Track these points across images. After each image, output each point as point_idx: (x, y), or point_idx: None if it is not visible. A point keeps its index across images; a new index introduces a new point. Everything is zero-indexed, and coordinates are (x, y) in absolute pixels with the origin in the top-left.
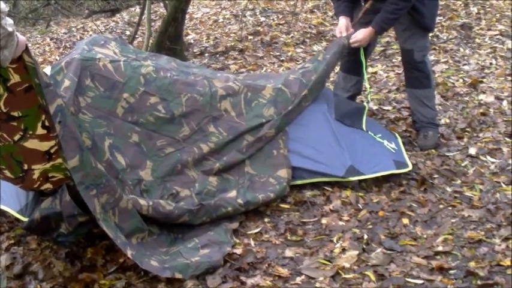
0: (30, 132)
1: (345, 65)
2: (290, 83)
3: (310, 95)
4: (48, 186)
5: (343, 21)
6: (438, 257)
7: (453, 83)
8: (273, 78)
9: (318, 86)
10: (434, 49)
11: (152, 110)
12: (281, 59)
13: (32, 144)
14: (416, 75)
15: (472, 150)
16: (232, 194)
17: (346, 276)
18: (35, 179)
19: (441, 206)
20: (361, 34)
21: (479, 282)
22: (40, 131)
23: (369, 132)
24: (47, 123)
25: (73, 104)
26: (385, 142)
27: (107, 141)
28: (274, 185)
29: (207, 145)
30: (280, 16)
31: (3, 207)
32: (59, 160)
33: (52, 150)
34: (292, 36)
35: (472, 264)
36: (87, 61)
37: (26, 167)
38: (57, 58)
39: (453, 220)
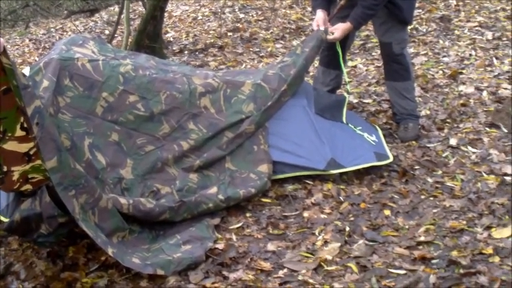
0: (9, 134)
1: (324, 59)
2: (269, 79)
3: (289, 89)
4: (28, 187)
5: (320, 14)
6: (420, 247)
7: (433, 75)
8: (252, 74)
9: (297, 80)
10: (414, 41)
11: (131, 108)
12: (261, 54)
13: (11, 146)
14: (395, 67)
15: (453, 141)
16: (213, 190)
17: (329, 268)
18: (14, 181)
19: (422, 197)
20: (338, 29)
21: (461, 271)
22: (19, 132)
23: (349, 125)
24: (25, 125)
25: (52, 104)
26: (366, 135)
27: (87, 140)
28: (255, 181)
29: (187, 142)
30: (259, 12)
31: None
32: (39, 161)
33: (31, 152)
34: (271, 32)
35: (454, 253)
36: (65, 61)
37: (5, 168)
38: (37, 59)
39: (435, 210)
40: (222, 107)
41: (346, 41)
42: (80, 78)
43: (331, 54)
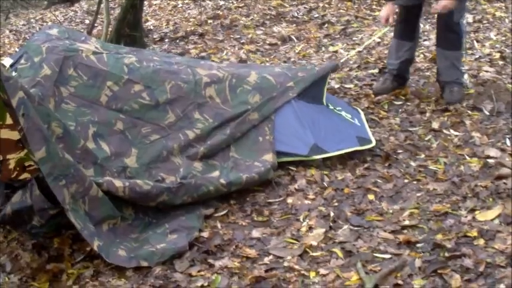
0: (0, 123)
1: (398, 32)
2: (275, 73)
3: (296, 86)
4: (26, 175)
5: (390, 7)
6: (405, 231)
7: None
8: (258, 68)
9: (304, 84)
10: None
11: (136, 97)
12: (241, 41)
13: (4, 134)
14: (451, 37)
15: (435, 124)
16: (215, 173)
17: (314, 254)
18: (11, 169)
19: (406, 181)
20: (442, 4)
21: (446, 254)
22: (9, 120)
23: (329, 106)
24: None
25: (53, 95)
26: (343, 113)
27: (91, 129)
28: (259, 167)
29: (193, 131)
30: None
31: None
32: None
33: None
34: (252, 19)
35: (439, 236)
36: (69, 51)
37: (1, 157)
38: (17, 50)
39: (418, 194)
40: (227, 97)
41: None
42: (84, 67)
43: (406, 26)
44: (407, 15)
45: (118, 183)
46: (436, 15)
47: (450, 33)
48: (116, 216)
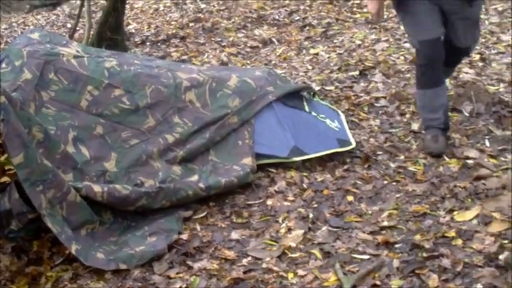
0: None
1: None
2: (256, 77)
3: (276, 91)
4: (6, 179)
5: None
6: (384, 231)
7: (394, 61)
8: (238, 71)
9: (283, 90)
10: (375, 28)
11: (117, 102)
12: (223, 44)
13: None
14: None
15: (415, 126)
16: (194, 178)
17: (293, 255)
18: None
19: (385, 182)
20: None
21: (424, 254)
22: None
23: (312, 113)
24: None
25: (34, 99)
26: (328, 121)
27: (71, 133)
28: (238, 171)
29: (173, 136)
30: (221, 2)
31: None
32: None
33: None
34: (233, 22)
35: (417, 237)
36: (50, 56)
37: None
38: None
39: (398, 195)
40: (207, 101)
41: None
42: (65, 72)
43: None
44: (434, 55)
45: (97, 188)
46: None
47: (455, 60)
48: (94, 221)
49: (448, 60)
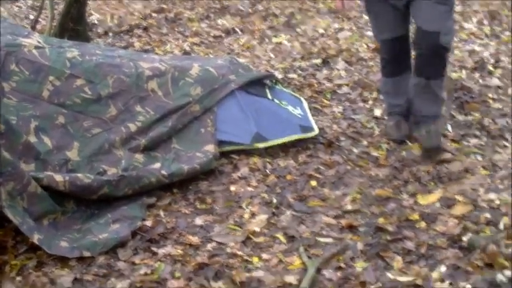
0: None
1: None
2: (217, 65)
3: (238, 79)
4: None
5: None
6: (347, 215)
7: (357, 49)
8: (200, 60)
9: (245, 78)
10: (338, 17)
11: (78, 92)
12: (185, 34)
13: None
14: (435, 62)
15: (378, 112)
16: (157, 165)
17: (257, 240)
18: None
19: (348, 167)
20: None
21: (388, 237)
22: None
23: (275, 100)
24: None
25: None
26: (290, 108)
27: (33, 123)
28: (201, 158)
29: (135, 124)
30: None
31: None
32: None
33: None
34: (196, 12)
35: (381, 220)
36: (12, 47)
37: None
38: None
39: (361, 180)
40: (169, 90)
41: None
42: (26, 62)
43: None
44: (394, 52)
45: (58, 177)
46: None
47: (436, 58)
48: (56, 211)
49: (423, 60)
